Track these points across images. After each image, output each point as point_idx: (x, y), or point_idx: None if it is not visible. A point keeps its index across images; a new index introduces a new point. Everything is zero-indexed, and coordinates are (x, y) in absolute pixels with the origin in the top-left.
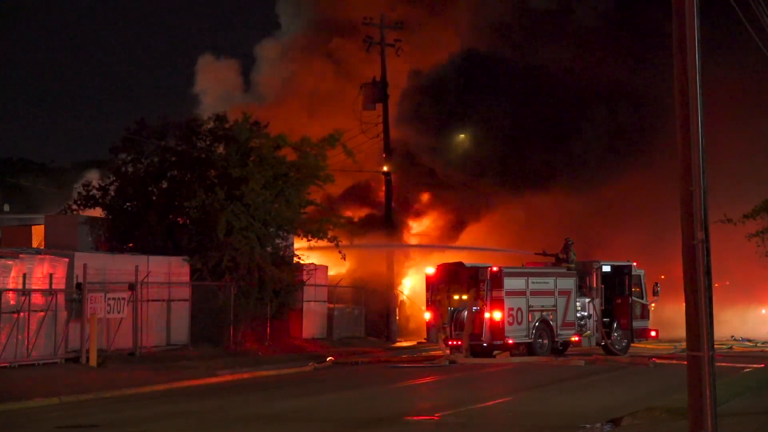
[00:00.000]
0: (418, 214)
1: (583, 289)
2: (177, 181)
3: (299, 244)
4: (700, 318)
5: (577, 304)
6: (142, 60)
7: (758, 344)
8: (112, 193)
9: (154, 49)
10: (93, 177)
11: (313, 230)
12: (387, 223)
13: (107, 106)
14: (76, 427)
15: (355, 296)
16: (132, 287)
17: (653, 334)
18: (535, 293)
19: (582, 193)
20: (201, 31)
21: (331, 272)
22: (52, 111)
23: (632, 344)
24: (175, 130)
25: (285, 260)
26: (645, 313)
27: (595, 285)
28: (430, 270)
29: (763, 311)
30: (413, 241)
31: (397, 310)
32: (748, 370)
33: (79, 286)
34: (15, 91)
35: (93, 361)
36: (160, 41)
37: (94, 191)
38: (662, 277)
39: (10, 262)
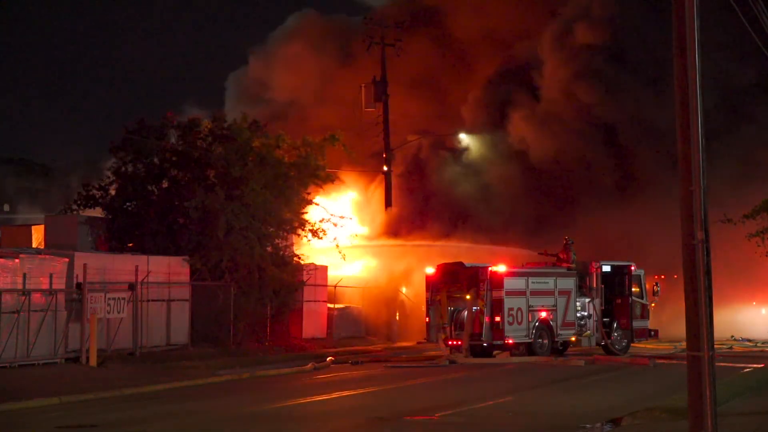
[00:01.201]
0: None
1: (583, 289)
2: (177, 181)
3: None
4: (700, 318)
5: (577, 304)
6: (143, 60)
7: (758, 344)
8: (112, 193)
9: (154, 48)
10: (93, 177)
11: (314, 230)
12: (387, 221)
13: (107, 106)
14: (76, 427)
15: (355, 296)
16: (132, 287)
17: (653, 334)
18: (535, 293)
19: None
20: (201, 32)
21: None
22: (52, 111)
23: (632, 344)
24: (175, 130)
25: (285, 260)
26: (645, 313)
27: (595, 285)
28: (430, 270)
29: (763, 311)
30: None
31: (397, 310)
32: (748, 370)
33: (79, 286)
34: (15, 91)
35: (93, 361)
36: (160, 41)
37: (94, 191)
38: None
39: (10, 262)
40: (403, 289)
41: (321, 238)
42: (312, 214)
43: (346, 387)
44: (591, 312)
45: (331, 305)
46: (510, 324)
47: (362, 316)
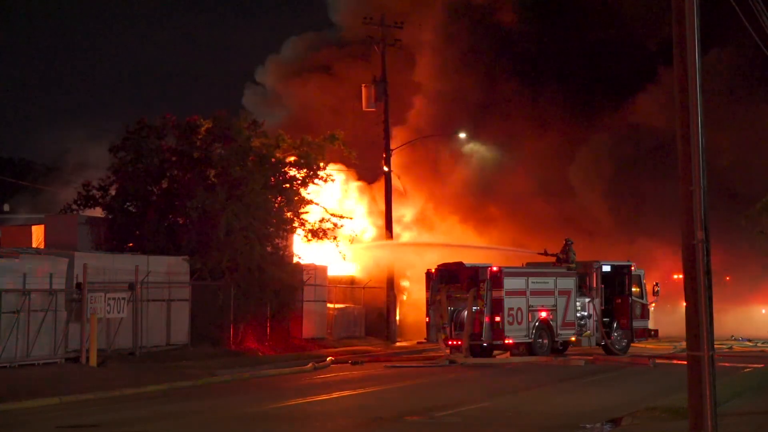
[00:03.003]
0: None
1: (583, 289)
2: (177, 181)
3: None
4: (700, 318)
5: (577, 304)
6: (143, 60)
7: (758, 344)
8: (112, 193)
9: (154, 48)
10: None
11: (313, 230)
12: (387, 221)
13: (108, 105)
14: (76, 427)
15: (355, 296)
16: (132, 287)
17: (653, 334)
18: (535, 293)
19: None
20: (202, 32)
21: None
22: (52, 111)
23: (632, 344)
24: (175, 130)
25: (285, 260)
26: (645, 313)
27: (595, 285)
28: (430, 270)
29: (763, 311)
30: None
31: (397, 310)
32: (748, 370)
33: (79, 286)
34: (15, 90)
35: (93, 361)
36: (160, 41)
37: (94, 191)
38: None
39: (10, 262)
40: (405, 288)
41: (321, 238)
42: (312, 213)
43: (346, 387)
44: (591, 312)
45: (331, 305)
46: (510, 324)
47: (362, 316)
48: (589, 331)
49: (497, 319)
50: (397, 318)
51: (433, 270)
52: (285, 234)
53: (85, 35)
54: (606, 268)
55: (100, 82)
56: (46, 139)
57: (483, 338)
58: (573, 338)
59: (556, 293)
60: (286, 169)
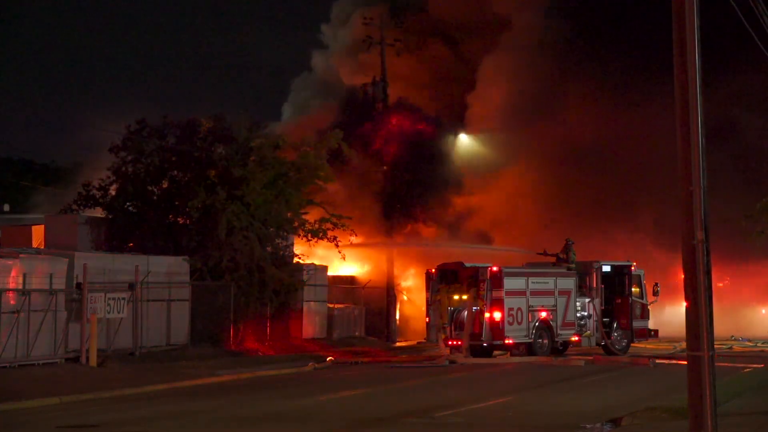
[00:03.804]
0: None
1: (583, 289)
2: (177, 181)
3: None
4: (700, 318)
5: (577, 304)
6: (143, 59)
7: (758, 344)
8: (112, 193)
9: (154, 48)
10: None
11: (313, 230)
12: (387, 220)
13: (108, 105)
14: (76, 427)
15: (355, 296)
16: (132, 287)
17: (653, 334)
18: (535, 293)
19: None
20: (202, 33)
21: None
22: (52, 111)
23: (632, 344)
24: (176, 130)
25: (285, 260)
26: (645, 313)
27: (595, 285)
28: (431, 270)
29: (763, 311)
30: None
31: (397, 309)
32: (748, 370)
33: (79, 286)
34: (15, 91)
35: (93, 361)
36: (160, 41)
37: (94, 191)
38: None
39: (10, 262)
40: (404, 296)
41: (321, 238)
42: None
43: (346, 387)
44: (591, 312)
45: (331, 305)
46: (510, 324)
47: (362, 316)
48: (589, 331)
49: (497, 319)
50: (397, 318)
51: (433, 270)
52: (285, 234)
53: (86, 34)
54: (606, 268)
55: (101, 82)
56: (47, 139)
57: (483, 338)
58: (573, 338)
59: (556, 293)
60: (286, 169)
